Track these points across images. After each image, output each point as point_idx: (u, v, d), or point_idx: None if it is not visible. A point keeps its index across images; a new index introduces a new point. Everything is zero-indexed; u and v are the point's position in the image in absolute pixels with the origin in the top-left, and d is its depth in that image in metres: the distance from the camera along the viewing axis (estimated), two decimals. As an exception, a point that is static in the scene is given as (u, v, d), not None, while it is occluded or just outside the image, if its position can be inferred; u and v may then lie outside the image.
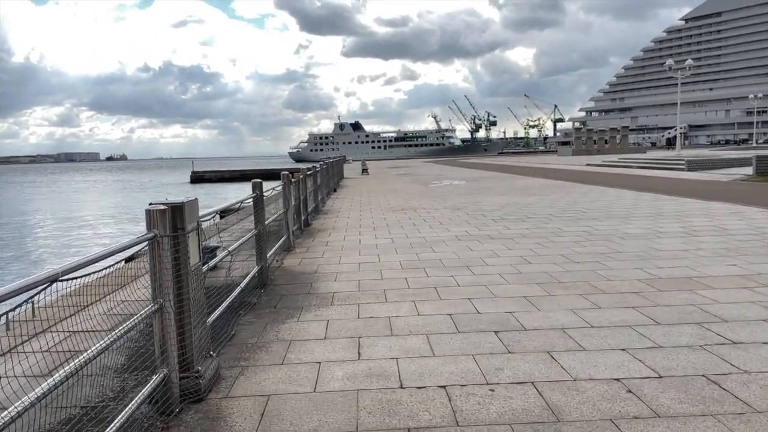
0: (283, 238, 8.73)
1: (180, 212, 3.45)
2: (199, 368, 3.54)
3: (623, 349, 4.09)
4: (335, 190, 22.98)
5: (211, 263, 4.81)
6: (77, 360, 2.57)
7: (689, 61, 39.23)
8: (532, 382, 3.57)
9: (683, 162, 28.16)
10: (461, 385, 3.57)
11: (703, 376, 3.59)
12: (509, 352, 4.11)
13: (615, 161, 37.87)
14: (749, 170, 23.79)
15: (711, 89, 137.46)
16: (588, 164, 38.89)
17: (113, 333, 2.85)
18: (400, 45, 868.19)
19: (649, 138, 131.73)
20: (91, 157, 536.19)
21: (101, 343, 2.74)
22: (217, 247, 7.33)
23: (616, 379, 3.57)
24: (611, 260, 7.23)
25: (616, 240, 8.69)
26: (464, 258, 7.73)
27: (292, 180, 9.28)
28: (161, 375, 3.31)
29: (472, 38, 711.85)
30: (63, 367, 2.49)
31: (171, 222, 3.40)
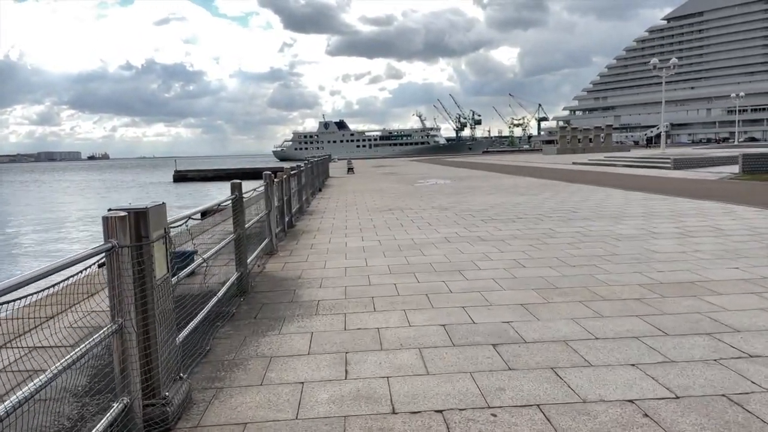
0: (265, 241, 8.33)
1: (143, 219, 3.06)
2: (167, 394, 3.15)
3: (633, 365, 3.77)
4: (320, 190, 22.58)
5: (183, 273, 4.40)
6: (24, 389, 2.19)
7: (674, 60, 39.33)
8: (538, 405, 3.24)
9: (669, 160, 28.15)
10: (460, 410, 3.22)
11: (723, 395, 3.28)
12: (510, 369, 3.77)
13: (601, 160, 37.85)
14: (735, 169, 23.82)
15: (693, 88, 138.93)
16: (574, 163, 38.86)
17: (61, 361, 2.45)
18: (384, 44, 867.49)
19: (632, 136, 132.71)
20: (73, 156, 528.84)
21: (46, 373, 2.35)
22: (194, 252, 6.93)
23: (629, 401, 3.24)
24: (608, 263, 6.93)
25: (611, 241, 8.41)
26: (455, 261, 7.39)
27: (275, 180, 8.88)
28: (122, 404, 2.92)
29: (456, 37, 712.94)
30: (8, 397, 2.11)
31: (134, 230, 3.01)
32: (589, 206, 13.09)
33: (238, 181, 6.04)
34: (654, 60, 39.92)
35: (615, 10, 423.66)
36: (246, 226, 6.49)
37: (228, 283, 5.68)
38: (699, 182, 19.70)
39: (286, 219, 10.85)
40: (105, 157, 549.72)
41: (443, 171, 35.54)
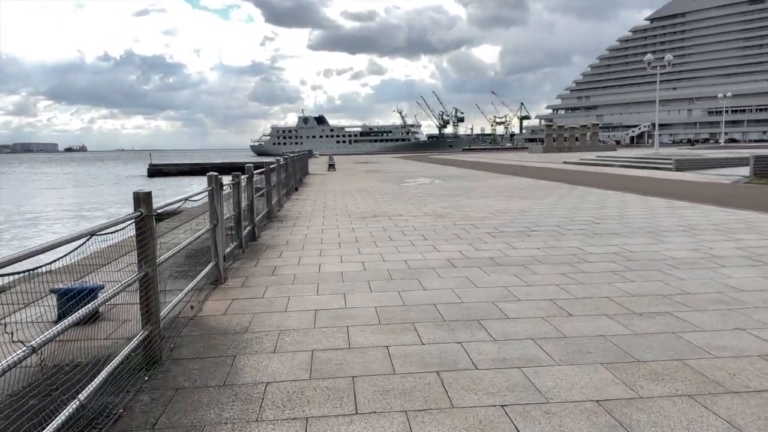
0: (209, 266, 6.16)
1: None
2: None
3: None
4: (297, 189, 20.37)
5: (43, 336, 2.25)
6: None
7: (669, 57, 37.81)
8: None
9: (671, 161, 26.42)
10: None
11: None
12: None
13: (593, 159, 36.10)
14: (743, 171, 22.15)
15: (674, 89, 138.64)
16: (565, 162, 37.11)
17: None
18: (366, 39, 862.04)
19: (614, 136, 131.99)
20: (49, 148, 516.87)
21: None
22: (99, 288, 4.78)
23: None
24: (687, 310, 4.91)
25: (668, 270, 6.41)
26: (468, 302, 5.31)
27: (224, 184, 6.70)
28: None
29: (438, 35, 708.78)
30: None
31: None
32: (609, 215, 11.12)
33: (147, 190, 3.87)
34: (648, 56, 38.39)
35: (595, 10, 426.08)
36: (163, 258, 4.31)
37: (120, 356, 3.52)
38: (715, 186, 17.92)
39: (246, 230, 8.69)
40: (83, 149, 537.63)
41: (430, 169, 33.51)
